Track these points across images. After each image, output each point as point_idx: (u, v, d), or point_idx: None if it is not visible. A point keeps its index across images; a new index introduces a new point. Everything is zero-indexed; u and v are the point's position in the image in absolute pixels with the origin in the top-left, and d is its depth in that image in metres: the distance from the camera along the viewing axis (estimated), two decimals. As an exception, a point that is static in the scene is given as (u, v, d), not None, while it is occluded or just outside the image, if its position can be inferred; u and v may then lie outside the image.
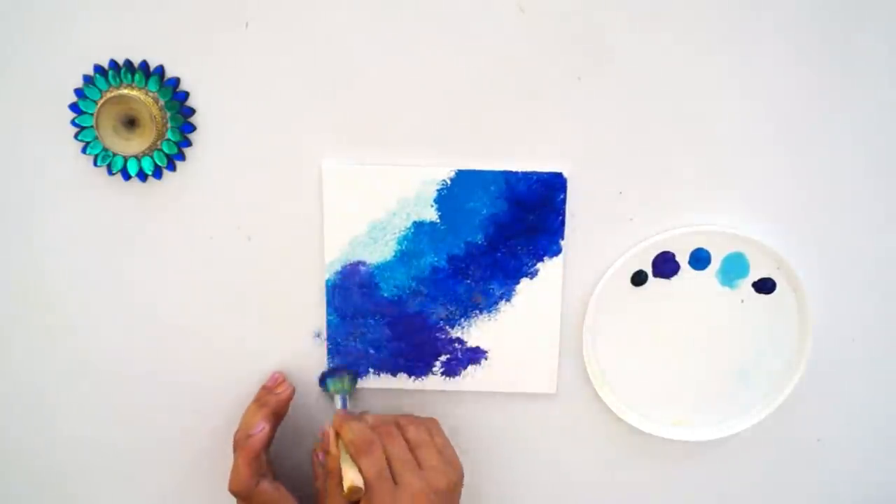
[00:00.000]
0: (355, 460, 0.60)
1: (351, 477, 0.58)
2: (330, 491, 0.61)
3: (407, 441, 0.62)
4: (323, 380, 0.66)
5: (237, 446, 0.62)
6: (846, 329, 0.66)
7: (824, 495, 0.71)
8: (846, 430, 0.69)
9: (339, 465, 0.60)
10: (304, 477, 0.67)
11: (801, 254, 0.63)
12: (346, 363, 0.66)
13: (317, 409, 0.67)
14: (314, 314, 0.65)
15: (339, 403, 0.65)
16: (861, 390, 0.68)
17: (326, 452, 0.62)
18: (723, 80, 0.59)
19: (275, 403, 0.64)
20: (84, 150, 0.61)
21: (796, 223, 0.63)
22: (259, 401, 0.65)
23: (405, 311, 0.65)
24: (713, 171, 0.61)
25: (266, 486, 0.62)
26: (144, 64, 0.59)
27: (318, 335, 0.66)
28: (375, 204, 0.62)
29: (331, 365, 0.66)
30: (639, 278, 0.63)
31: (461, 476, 0.62)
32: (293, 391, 0.65)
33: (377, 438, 0.61)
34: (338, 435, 0.62)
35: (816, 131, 0.60)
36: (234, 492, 0.62)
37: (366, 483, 0.58)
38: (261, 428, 0.63)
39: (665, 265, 0.63)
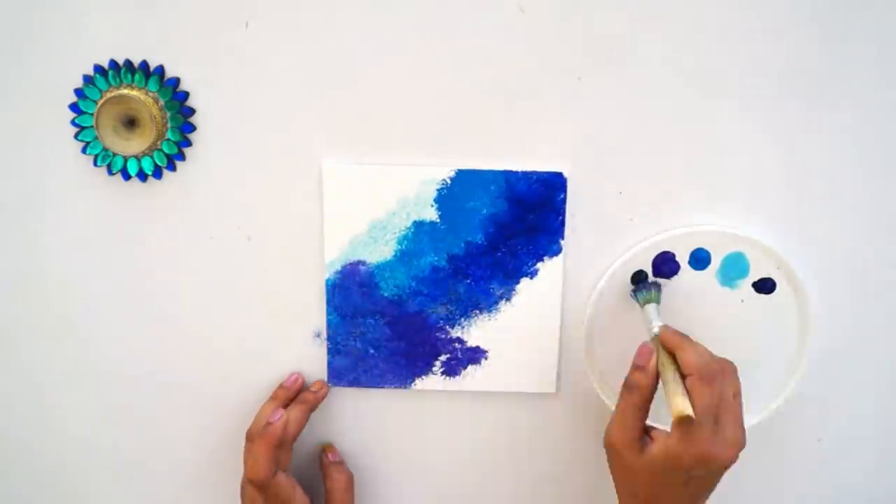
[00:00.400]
0: (692, 386, 0.55)
1: (682, 405, 0.53)
2: (627, 411, 0.57)
3: (732, 388, 0.57)
4: (635, 292, 0.63)
5: (255, 436, 0.63)
6: (846, 329, 0.65)
7: (824, 495, 0.71)
8: (846, 430, 0.69)
9: (665, 384, 0.56)
10: (307, 477, 0.67)
11: (801, 254, 0.63)
12: (351, 362, 0.66)
13: (318, 410, 0.67)
14: (314, 314, 0.65)
15: (654, 316, 0.61)
16: (861, 390, 0.68)
17: (637, 367, 0.58)
18: (723, 80, 0.59)
19: (313, 400, 0.65)
20: (84, 150, 0.61)
21: (796, 223, 0.63)
22: (276, 398, 0.65)
23: (405, 311, 0.65)
24: (713, 172, 0.61)
25: (283, 478, 0.62)
26: (144, 64, 0.59)
27: (318, 335, 0.66)
28: (375, 203, 0.62)
29: (329, 360, 0.66)
30: (639, 278, 0.63)
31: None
32: (328, 390, 0.66)
33: (719, 372, 0.56)
34: (666, 353, 0.58)
35: (816, 131, 0.60)
36: (252, 479, 0.62)
37: (696, 414, 0.54)
38: (279, 416, 0.63)
39: (665, 265, 0.63)
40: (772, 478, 0.70)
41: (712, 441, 0.54)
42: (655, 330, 0.60)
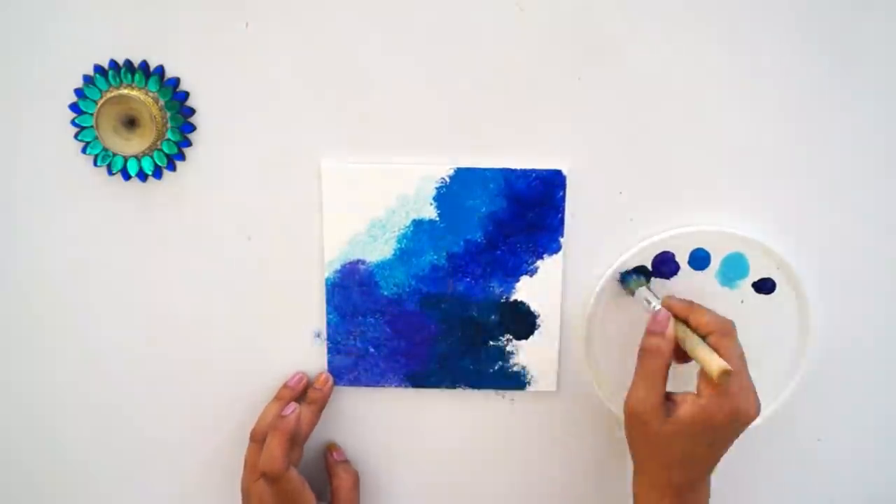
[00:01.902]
0: (718, 343, 0.57)
1: (720, 361, 0.54)
2: (650, 378, 0.57)
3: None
4: (623, 280, 0.63)
5: (267, 432, 0.63)
6: (846, 329, 0.65)
7: (824, 495, 0.71)
8: (846, 430, 0.69)
9: (691, 348, 0.57)
10: (309, 476, 0.67)
11: (801, 254, 0.63)
12: (351, 361, 0.66)
13: (317, 410, 0.67)
14: (314, 313, 0.65)
15: (650, 296, 0.61)
16: (861, 390, 0.67)
17: (654, 333, 0.58)
18: (723, 79, 0.59)
19: (321, 399, 0.65)
20: (84, 150, 0.61)
21: (796, 223, 0.63)
22: (280, 398, 0.65)
23: (405, 310, 0.65)
24: (713, 171, 0.61)
25: (294, 473, 0.62)
26: (144, 64, 0.59)
27: (318, 335, 0.66)
28: (375, 202, 0.62)
29: (329, 359, 0.66)
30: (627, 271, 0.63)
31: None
32: (333, 383, 0.66)
33: (733, 327, 0.58)
34: (679, 321, 0.59)
35: (817, 131, 0.60)
36: (266, 473, 0.62)
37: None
38: (292, 409, 0.63)
39: (665, 265, 0.63)
40: (772, 478, 0.70)
41: (742, 396, 0.56)
42: (657, 305, 0.60)
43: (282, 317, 0.65)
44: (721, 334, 0.57)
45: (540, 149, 0.61)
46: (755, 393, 0.57)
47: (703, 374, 0.56)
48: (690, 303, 0.60)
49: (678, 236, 0.62)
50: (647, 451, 0.59)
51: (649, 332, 0.59)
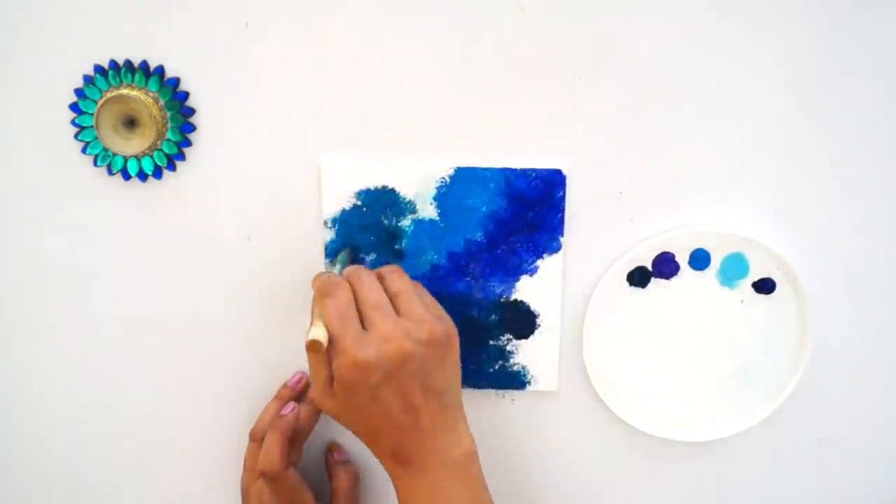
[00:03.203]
0: (318, 306, 0.54)
1: (311, 332, 0.52)
2: (313, 368, 0.54)
3: (385, 289, 0.55)
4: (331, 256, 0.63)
5: (266, 430, 0.63)
6: (846, 329, 0.65)
7: (824, 495, 0.71)
8: (846, 430, 0.69)
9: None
10: (310, 476, 0.67)
11: (801, 254, 0.63)
12: None
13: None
14: (314, 313, 0.65)
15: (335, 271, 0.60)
16: (861, 390, 0.68)
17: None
18: (722, 79, 0.59)
19: None
20: (84, 150, 0.61)
21: (796, 223, 0.63)
22: (280, 398, 0.65)
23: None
24: (713, 171, 0.61)
25: (293, 473, 0.62)
26: (144, 64, 0.59)
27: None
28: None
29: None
30: (640, 278, 0.63)
31: (453, 332, 0.55)
32: None
33: (345, 282, 0.55)
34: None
35: (817, 130, 0.60)
36: (265, 472, 0.61)
37: (329, 327, 0.52)
38: (291, 408, 0.63)
39: (665, 265, 0.63)
40: (772, 478, 0.70)
41: (359, 344, 0.51)
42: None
43: (282, 317, 0.65)
44: (319, 295, 0.54)
45: (540, 148, 0.61)
46: (394, 329, 0.52)
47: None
48: (317, 274, 0.57)
49: (678, 236, 0.62)
50: (353, 431, 0.57)
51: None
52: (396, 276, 0.57)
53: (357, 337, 0.52)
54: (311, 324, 0.54)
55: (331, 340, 0.52)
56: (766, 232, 0.62)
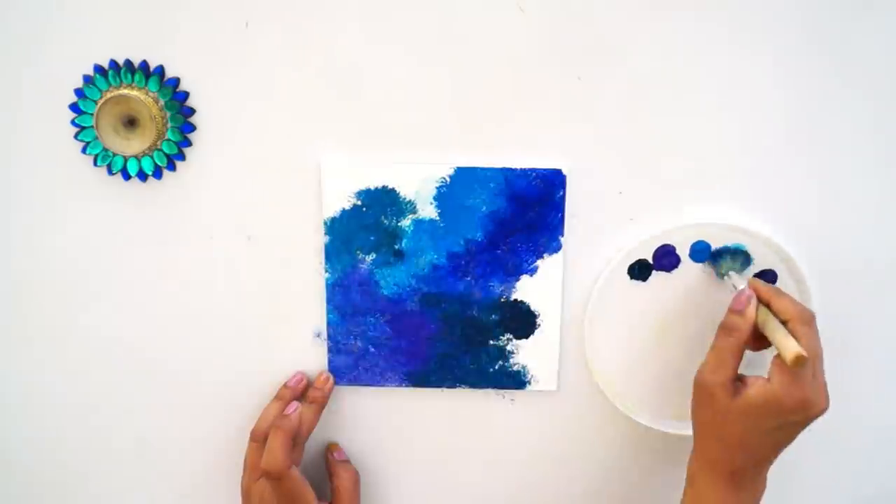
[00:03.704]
0: (796, 330, 0.56)
1: (796, 345, 0.54)
2: (723, 354, 0.58)
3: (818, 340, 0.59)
4: (714, 261, 0.63)
5: (268, 431, 0.63)
6: (847, 322, 0.65)
7: (825, 495, 0.71)
8: (847, 430, 0.69)
9: (770, 331, 0.57)
10: (311, 476, 0.67)
11: (803, 247, 0.63)
12: (351, 361, 0.66)
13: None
14: (314, 313, 0.65)
15: (738, 279, 0.62)
16: (861, 389, 0.68)
17: (735, 311, 0.58)
18: (722, 78, 0.59)
19: (321, 398, 0.65)
20: (84, 150, 0.61)
21: (799, 217, 0.63)
22: (281, 398, 0.66)
23: (405, 309, 0.65)
24: (713, 171, 0.61)
25: (295, 472, 0.63)
26: (144, 64, 0.59)
27: (319, 335, 0.66)
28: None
29: (330, 359, 0.66)
30: (640, 271, 0.63)
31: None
32: (333, 382, 0.66)
33: (814, 318, 0.58)
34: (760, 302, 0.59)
35: (818, 126, 0.60)
36: (268, 472, 0.62)
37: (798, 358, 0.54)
38: (294, 408, 0.63)
39: (665, 258, 0.63)
40: (772, 478, 0.70)
41: (813, 387, 0.55)
42: (741, 285, 0.61)
43: (282, 317, 0.65)
44: (801, 322, 0.56)
45: (540, 148, 0.61)
46: (825, 387, 0.57)
47: (777, 360, 0.56)
48: (776, 289, 0.60)
49: (679, 228, 0.62)
50: (710, 428, 0.59)
51: (730, 311, 0.59)
52: (815, 334, 0.58)
53: (812, 378, 0.56)
54: (766, 326, 0.57)
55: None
56: (766, 226, 0.62)
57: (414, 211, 0.62)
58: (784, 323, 0.57)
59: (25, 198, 0.62)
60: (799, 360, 0.54)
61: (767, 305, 0.59)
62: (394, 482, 0.70)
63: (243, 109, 0.60)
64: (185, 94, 0.60)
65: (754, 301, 0.59)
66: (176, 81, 0.59)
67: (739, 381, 0.58)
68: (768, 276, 0.63)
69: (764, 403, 0.56)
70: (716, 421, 0.58)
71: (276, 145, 0.61)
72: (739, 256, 0.63)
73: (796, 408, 0.55)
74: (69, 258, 0.64)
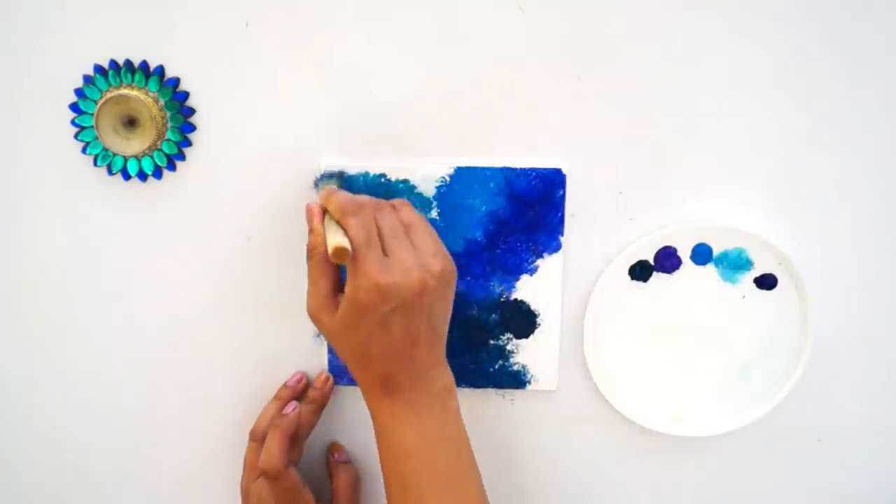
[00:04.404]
0: (341, 223, 0.54)
1: (338, 239, 0.52)
2: (312, 277, 0.56)
3: (400, 220, 0.56)
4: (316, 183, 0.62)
5: (267, 430, 0.63)
6: (847, 326, 0.66)
7: (823, 491, 0.71)
8: (846, 430, 0.69)
9: (329, 237, 0.54)
10: (311, 476, 0.67)
11: (803, 250, 0.63)
12: None
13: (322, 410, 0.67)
14: (314, 313, 0.65)
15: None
16: (861, 390, 0.68)
17: (310, 230, 0.56)
18: (723, 78, 0.59)
19: (321, 398, 0.65)
20: (84, 150, 0.61)
21: (799, 219, 0.63)
22: (280, 398, 0.66)
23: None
24: (713, 171, 0.61)
25: (294, 472, 0.63)
26: (144, 64, 0.59)
27: (319, 335, 0.66)
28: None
29: (330, 359, 0.66)
30: (641, 272, 0.63)
31: (455, 271, 0.56)
32: (333, 382, 0.66)
33: (368, 205, 0.56)
34: (324, 212, 0.56)
35: (819, 127, 0.60)
36: (266, 471, 0.61)
37: (353, 246, 0.52)
38: (293, 407, 0.63)
39: (667, 260, 0.63)
40: (772, 478, 0.70)
41: (382, 269, 0.52)
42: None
43: (282, 317, 0.65)
44: (345, 213, 0.54)
45: (540, 148, 0.61)
46: (413, 261, 0.53)
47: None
48: (329, 192, 0.57)
49: (679, 231, 0.62)
50: (341, 353, 0.57)
51: (309, 232, 0.57)
52: (408, 209, 0.57)
53: (380, 261, 0.53)
54: (325, 232, 0.54)
55: (353, 254, 0.52)
56: (767, 229, 0.62)
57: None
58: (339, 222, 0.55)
59: (25, 198, 0.62)
60: (337, 252, 0.51)
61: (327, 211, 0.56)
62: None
63: (243, 109, 0.60)
64: (185, 94, 0.60)
65: (318, 214, 0.56)
66: (176, 81, 0.59)
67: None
68: (768, 280, 0.63)
69: (351, 310, 0.53)
70: (338, 343, 0.56)
71: (275, 145, 0.61)
72: (338, 175, 0.61)
73: (376, 298, 0.52)
74: (69, 258, 0.64)
